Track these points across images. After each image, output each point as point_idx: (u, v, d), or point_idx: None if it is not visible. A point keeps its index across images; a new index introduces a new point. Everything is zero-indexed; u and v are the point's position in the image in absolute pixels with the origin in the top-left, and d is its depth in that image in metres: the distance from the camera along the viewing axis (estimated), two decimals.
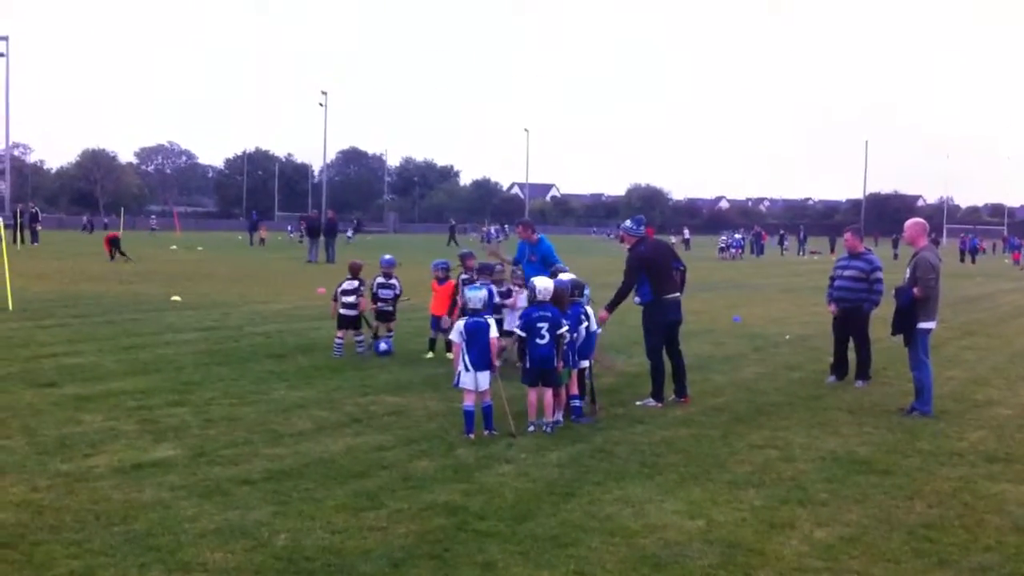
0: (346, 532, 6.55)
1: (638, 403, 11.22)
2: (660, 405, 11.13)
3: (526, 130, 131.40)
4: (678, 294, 11.48)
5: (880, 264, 13.12)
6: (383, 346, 14.65)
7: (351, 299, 14.67)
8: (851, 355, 13.19)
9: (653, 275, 11.25)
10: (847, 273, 13.13)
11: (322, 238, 42.86)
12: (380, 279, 15.23)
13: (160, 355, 14.01)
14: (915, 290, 10.90)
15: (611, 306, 11.35)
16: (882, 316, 12.16)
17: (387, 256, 15.75)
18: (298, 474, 7.95)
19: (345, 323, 14.66)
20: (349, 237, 73.58)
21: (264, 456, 8.49)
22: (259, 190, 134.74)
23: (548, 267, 13.06)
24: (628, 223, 11.74)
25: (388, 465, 8.28)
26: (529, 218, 27.44)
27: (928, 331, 11.10)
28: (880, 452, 9.20)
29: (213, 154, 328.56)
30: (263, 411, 10.38)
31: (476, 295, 9.89)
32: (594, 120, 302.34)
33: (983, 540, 6.72)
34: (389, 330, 15.08)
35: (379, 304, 15.04)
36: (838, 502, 7.54)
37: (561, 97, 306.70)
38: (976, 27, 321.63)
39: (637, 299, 11.41)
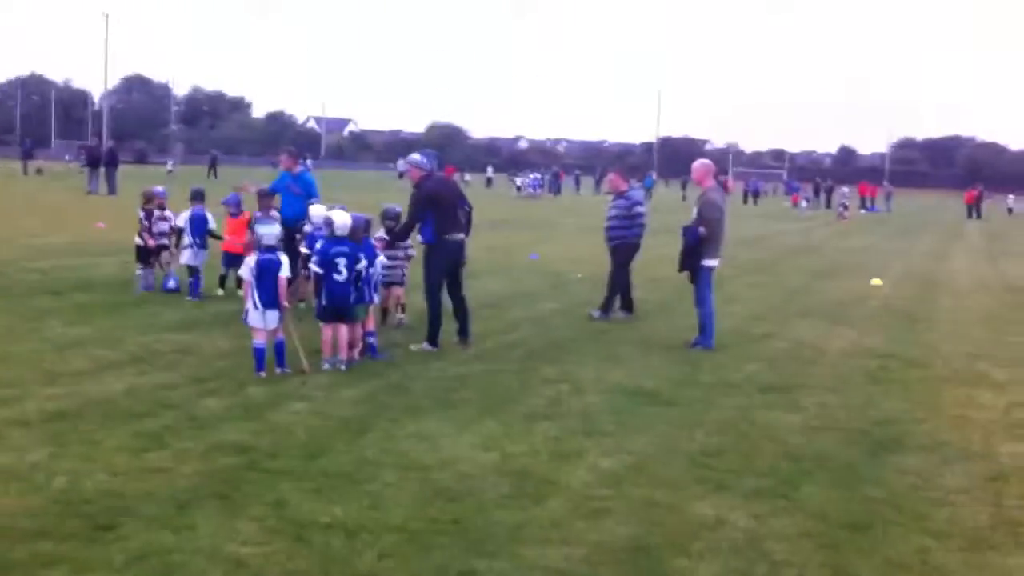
0: (128, 474, 6.27)
1: (413, 347, 10.70)
2: (436, 350, 10.64)
3: (318, 60, 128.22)
4: (463, 235, 10.95)
5: (639, 199, 13.68)
6: (171, 283, 14.02)
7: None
8: (636, 293, 13.67)
9: (438, 213, 10.65)
10: (612, 213, 13.62)
11: (103, 169, 40.64)
12: (156, 211, 14.44)
13: None
14: (700, 229, 11.34)
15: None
16: (669, 255, 12.58)
17: (159, 187, 15.11)
18: (76, 415, 7.54)
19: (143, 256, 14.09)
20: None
21: (39, 396, 8.00)
22: (34, 117, 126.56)
23: (308, 200, 13.28)
24: (416, 156, 11.03)
25: (173, 405, 7.97)
26: (320, 152, 27.01)
27: (712, 269, 11.57)
28: (665, 384, 9.57)
29: None
30: (38, 350, 9.78)
31: (269, 231, 9.58)
32: (393, 55, 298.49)
33: (758, 465, 7.11)
34: (170, 265, 14.36)
35: (157, 238, 14.27)
36: (624, 432, 7.81)
37: (359, 29, 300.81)
38: None
39: (420, 238, 10.93)
